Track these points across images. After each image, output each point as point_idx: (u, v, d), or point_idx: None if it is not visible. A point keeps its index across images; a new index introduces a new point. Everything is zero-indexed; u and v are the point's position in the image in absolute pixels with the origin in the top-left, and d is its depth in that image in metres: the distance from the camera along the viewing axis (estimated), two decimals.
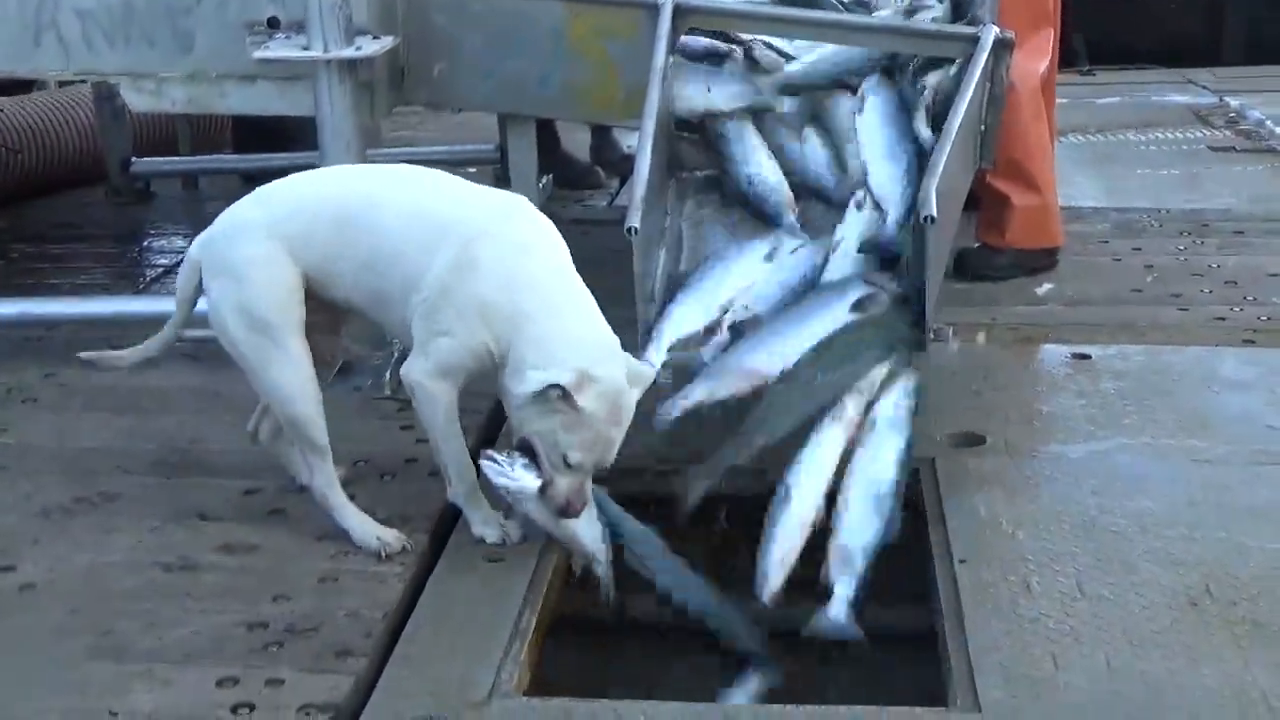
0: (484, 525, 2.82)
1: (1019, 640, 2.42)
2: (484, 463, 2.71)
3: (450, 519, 2.90)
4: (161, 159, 6.23)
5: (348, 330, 3.05)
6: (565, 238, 2.75)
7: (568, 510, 2.67)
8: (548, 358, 2.61)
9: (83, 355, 3.07)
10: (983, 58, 3.35)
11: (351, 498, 2.90)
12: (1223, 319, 4.00)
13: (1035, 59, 4.21)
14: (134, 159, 5.98)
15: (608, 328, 2.73)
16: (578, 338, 2.67)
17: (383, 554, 2.78)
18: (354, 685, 2.37)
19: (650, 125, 3.34)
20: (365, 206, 2.81)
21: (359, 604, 2.61)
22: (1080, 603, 2.53)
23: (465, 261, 2.68)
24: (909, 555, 2.86)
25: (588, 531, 2.78)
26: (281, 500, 3.03)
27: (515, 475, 2.67)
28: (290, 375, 2.78)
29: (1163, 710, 2.22)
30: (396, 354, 3.62)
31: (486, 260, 2.69)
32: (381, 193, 2.84)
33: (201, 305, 2.91)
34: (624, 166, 5.59)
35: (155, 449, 3.31)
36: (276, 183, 2.90)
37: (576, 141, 5.94)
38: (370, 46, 3.57)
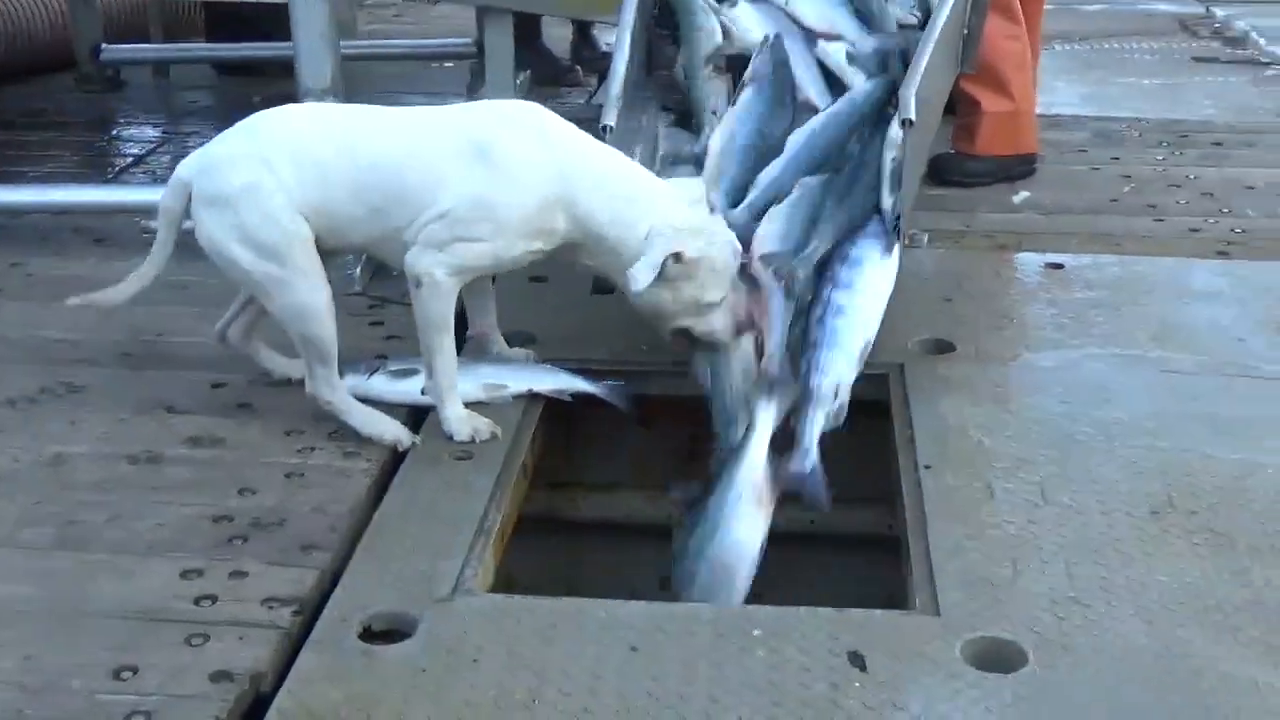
0: (455, 422, 2.81)
1: (981, 545, 2.44)
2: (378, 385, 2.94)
3: (418, 416, 2.90)
4: (132, 46, 6.14)
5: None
6: None
7: (744, 328, 2.81)
8: (626, 238, 2.69)
9: (71, 301, 2.97)
10: None
11: None
12: (1197, 230, 4.00)
13: None
14: (104, 46, 5.89)
15: (656, 179, 2.82)
16: (639, 199, 2.72)
17: (399, 447, 2.78)
18: (318, 579, 2.37)
19: (629, 19, 3.29)
20: (367, 144, 2.75)
21: (325, 499, 2.61)
22: (1043, 509, 2.54)
23: (497, 178, 2.67)
24: (874, 459, 2.87)
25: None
26: (249, 394, 3.02)
27: (398, 388, 2.94)
28: (309, 297, 2.73)
29: (1120, 616, 2.24)
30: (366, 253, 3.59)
31: (518, 171, 2.68)
32: (382, 128, 2.79)
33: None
34: (603, 64, 5.52)
35: (122, 340, 3.28)
36: (266, 117, 2.81)
37: (555, 38, 5.86)
38: None
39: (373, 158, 2.74)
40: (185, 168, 2.83)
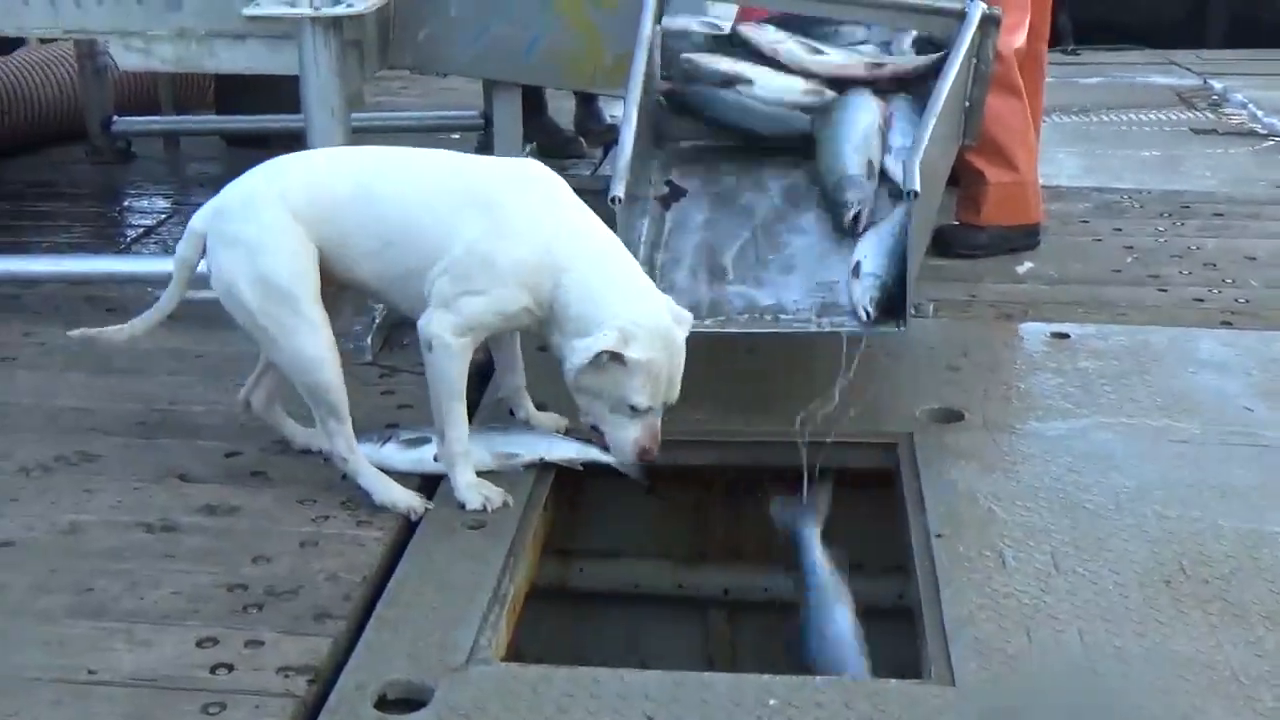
0: (466, 490, 2.83)
1: (994, 614, 2.44)
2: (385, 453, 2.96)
3: (431, 485, 2.91)
4: (143, 118, 6.20)
5: (350, 303, 3.03)
6: None
7: (645, 455, 2.75)
8: (589, 318, 2.68)
9: (74, 333, 3.02)
10: (969, 33, 3.36)
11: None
12: (1201, 300, 4.02)
13: (1013, 34, 4.21)
14: (115, 117, 5.95)
15: (640, 272, 2.81)
16: (615, 286, 2.73)
17: (412, 516, 2.80)
18: (332, 648, 2.37)
19: (635, 93, 3.34)
20: (383, 185, 2.80)
21: (339, 567, 2.62)
22: (1055, 578, 2.55)
23: (497, 228, 2.71)
24: (884, 528, 2.88)
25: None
26: (263, 463, 3.04)
27: (410, 456, 2.95)
28: (313, 343, 2.76)
29: (1135, 685, 2.24)
30: (378, 319, 3.62)
31: (518, 224, 2.72)
32: (398, 170, 2.85)
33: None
34: (607, 136, 5.58)
35: (135, 409, 3.30)
36: (286, 158, 2.89)
37: (560, 110, 5.92)
38: (360, 4, 3.54)
39: (388, 198, 2.78)
40: (200, 218, 2.87)
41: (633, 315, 2.68)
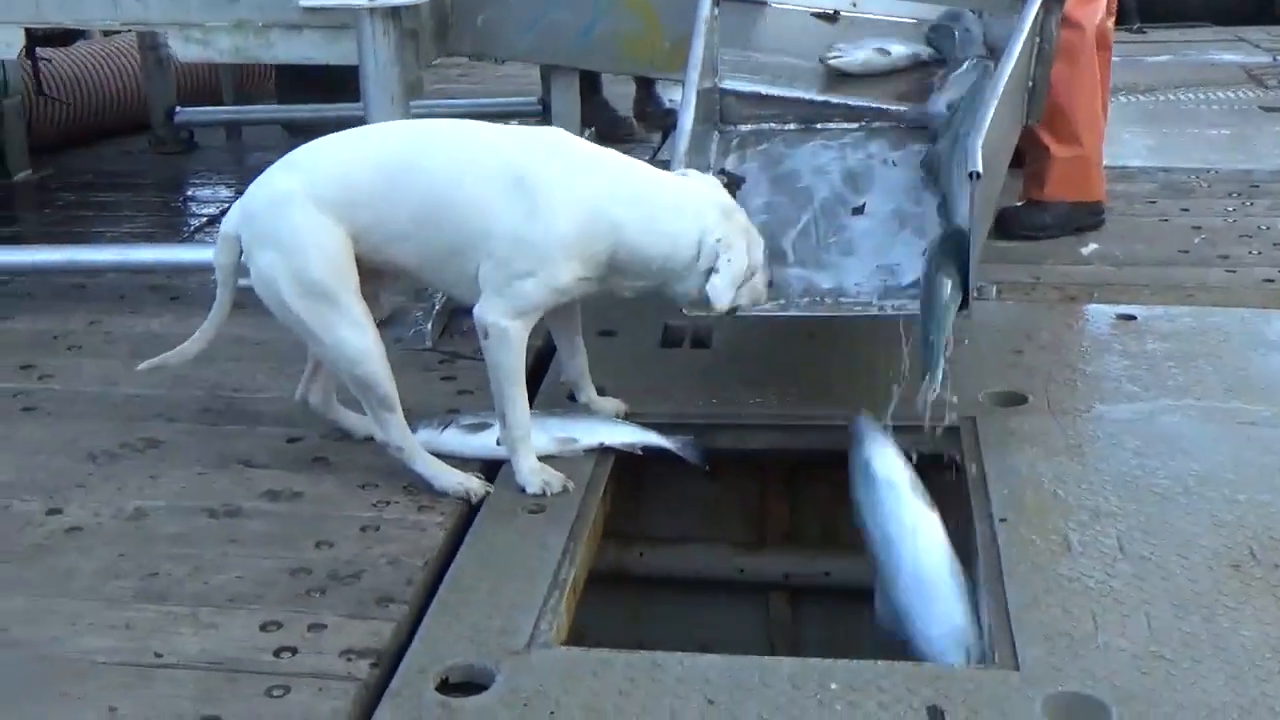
0: (528, 474, 2.83)
1: (1059, 599, 2.41)
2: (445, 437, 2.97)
3: (491, 470, 2.92)
4: (205, 109, 6.27)
5: (387, 290, 3.05)
6: None
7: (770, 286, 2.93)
8: (674, 244, 2.73)
9: (142, 366, 3.05)
10: (1032, 11, 3.31)
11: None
12: (1271, 281, 3.95)
13: (1087, 7, 4.15)
14: (178, 108, 6.01)
15: (675, 179, 2.86)
16: (674, 209, 2.76)
17: (471, 498, 2.80)
18: (395, 631, 2.38)
19: (694, 76, 3.33)
20: (407, 164, 2.79)
21: (400, 551, 2.63)
22: (1121, 563, 2.51)
23: (535, 208, 2.69)
24: (948, 512, 2.85)
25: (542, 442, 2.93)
26: (324, 448, 3.06)
27: (471, 442, 2.96)
28: (356, 336, 2.76)
29: (1203, 671, 2.20)
30: (438, 306, 3.63)
31: (556, 199, 2.70)
32: (421, 148, 2.83)
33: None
34: (665, 121, 5.57)
35: (199, 396, 3.34)
36: (305, 148, 2.86)
37: (618, 95, 5.92)
38: None
39: (413, 176, 2.77)
40: (229, 221, 2.86)
41: (714, 220, 2.73)
